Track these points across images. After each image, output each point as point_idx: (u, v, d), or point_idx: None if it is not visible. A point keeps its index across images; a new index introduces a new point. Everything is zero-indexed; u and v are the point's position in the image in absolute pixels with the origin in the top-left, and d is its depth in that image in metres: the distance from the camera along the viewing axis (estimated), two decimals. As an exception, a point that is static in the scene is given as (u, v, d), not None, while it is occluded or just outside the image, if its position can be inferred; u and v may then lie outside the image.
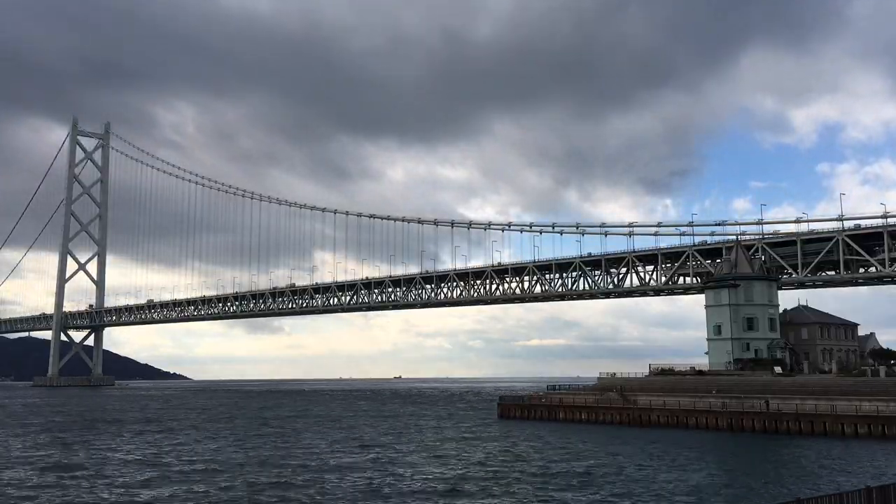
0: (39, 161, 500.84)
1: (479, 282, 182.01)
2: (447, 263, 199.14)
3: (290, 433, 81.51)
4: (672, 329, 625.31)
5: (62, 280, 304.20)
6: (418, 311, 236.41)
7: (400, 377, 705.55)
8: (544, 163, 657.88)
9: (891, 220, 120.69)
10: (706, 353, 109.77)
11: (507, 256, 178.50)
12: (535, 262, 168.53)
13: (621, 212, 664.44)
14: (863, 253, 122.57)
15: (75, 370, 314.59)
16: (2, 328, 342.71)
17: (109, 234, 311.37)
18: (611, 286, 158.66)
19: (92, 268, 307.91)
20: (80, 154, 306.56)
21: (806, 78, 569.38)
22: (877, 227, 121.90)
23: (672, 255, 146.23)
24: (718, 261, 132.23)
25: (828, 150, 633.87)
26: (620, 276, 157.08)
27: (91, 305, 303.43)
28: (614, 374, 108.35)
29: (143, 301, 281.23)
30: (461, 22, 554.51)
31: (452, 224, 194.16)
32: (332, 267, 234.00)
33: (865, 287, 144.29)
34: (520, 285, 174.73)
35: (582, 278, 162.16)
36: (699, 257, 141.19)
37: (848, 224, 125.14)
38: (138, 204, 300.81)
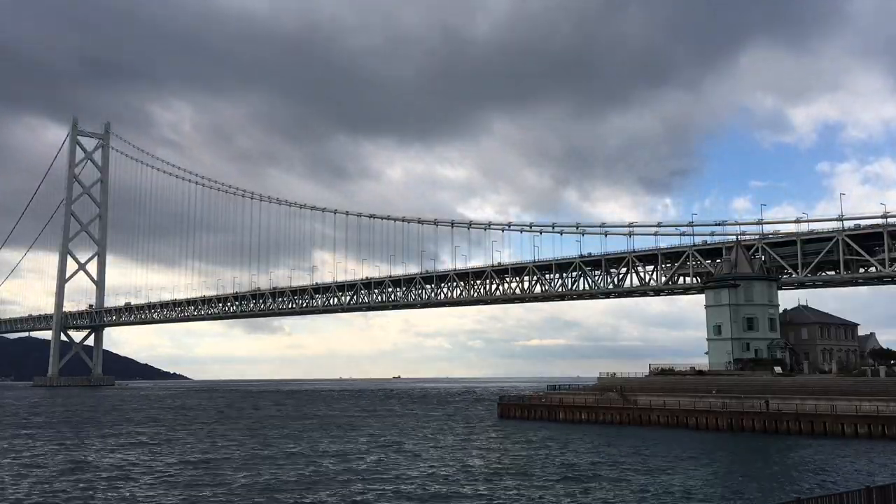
0: (36, 160, 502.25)
1: (479, 282, 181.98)
2: (447, 263, 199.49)
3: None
4: (672, 329, 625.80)
5: (62, 280, 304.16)
6: (418, 311, 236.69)
7: (399, 377, 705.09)
8: (544, 162, 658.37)
9: (891, 220, 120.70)
10: (706, 353, 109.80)
11: (507, 256, 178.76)
12: (535, 262, 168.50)
13: (621, 211, 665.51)
14: (863, 253, 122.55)
15: (75, 370, 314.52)
16: (2, 328, 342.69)
17: (109, 234, 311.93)
18: (611, 286, 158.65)
19: (92, 268, 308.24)
20: (79, 154, 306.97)
21: (806, 77, 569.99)
22: (877, 227, 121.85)
23: (672, 255, 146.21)
24: (718, 261, 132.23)
25: (828, 149, 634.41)
26: (620, 276, 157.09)
27: (91, 305, 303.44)
28: (614, 374, 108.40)
29: (143, 301, 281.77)
30: (460, 21, 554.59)
31: (452, 224, 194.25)
32: (332, 267, 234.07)
33: (865, 287, 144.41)
34: (520, 285, 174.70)
35: (582, 278, 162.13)
36: (699, 257, 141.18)
37: (848, 224, 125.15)
38: (138, 204, 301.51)
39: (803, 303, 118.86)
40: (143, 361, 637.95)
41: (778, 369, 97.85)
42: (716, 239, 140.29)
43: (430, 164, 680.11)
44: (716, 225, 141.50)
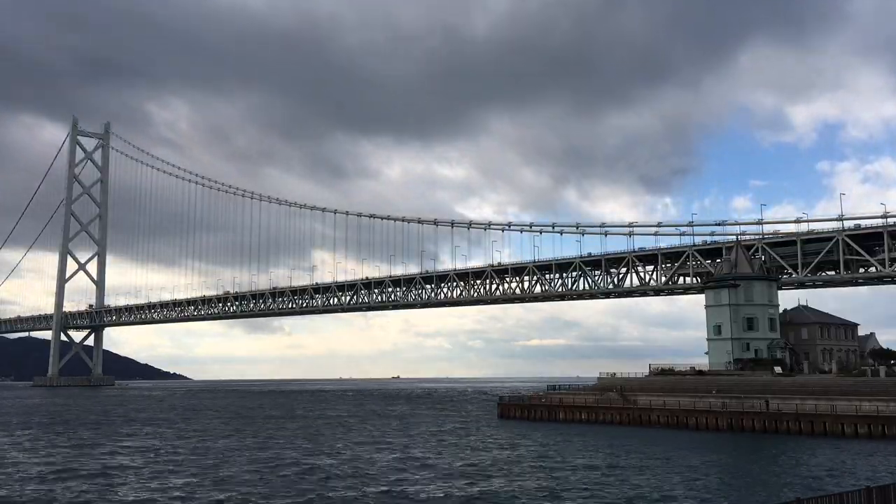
0: (34, 159, 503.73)
1: (479, 282, 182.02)
2: (447, 263, 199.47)
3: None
4: (672, 329, 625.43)
5: (62, 280, 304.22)
6: (418, 311, 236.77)
7: (398, 377, 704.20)
8: (542, 161, 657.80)
9: (891, 220, 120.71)
10: (706, 353, 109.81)
11: (506, 256, 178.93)
12: (535, 262, 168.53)
13: (620, 210, 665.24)
14: (863, 253, 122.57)
15: (75, 370, 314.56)
16: (2, 328, 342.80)
17: (109, 234, 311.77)
18: (611, 286, 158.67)
19: (92, 268, 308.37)
20: (79, 154, 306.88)
21: (806, 75, 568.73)
22: (877, 227, 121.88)
23: (672, 255, 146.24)
24: (718, 261, 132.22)
25: (828, 148, 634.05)
26: (620, 276, 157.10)
27: (91, 305, 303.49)
28: (614, 374, 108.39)
29: (143, 301, 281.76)
30: (458, 18, 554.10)
31: (452, 224, 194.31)
32: (332, 267, 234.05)
33: (865, 287, 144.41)
34: (520, 285, 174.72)
35: (582, 278, 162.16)
36: (699, 257, 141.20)
37: (848, 224, 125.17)
38: (137, 203, 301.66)
39: (803, 303, 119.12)
40: (143, 361, 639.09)
41: (778, 369, 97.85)
42: (716, 239, 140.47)
43: (429, 163, 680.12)
44: (716, 225, 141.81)
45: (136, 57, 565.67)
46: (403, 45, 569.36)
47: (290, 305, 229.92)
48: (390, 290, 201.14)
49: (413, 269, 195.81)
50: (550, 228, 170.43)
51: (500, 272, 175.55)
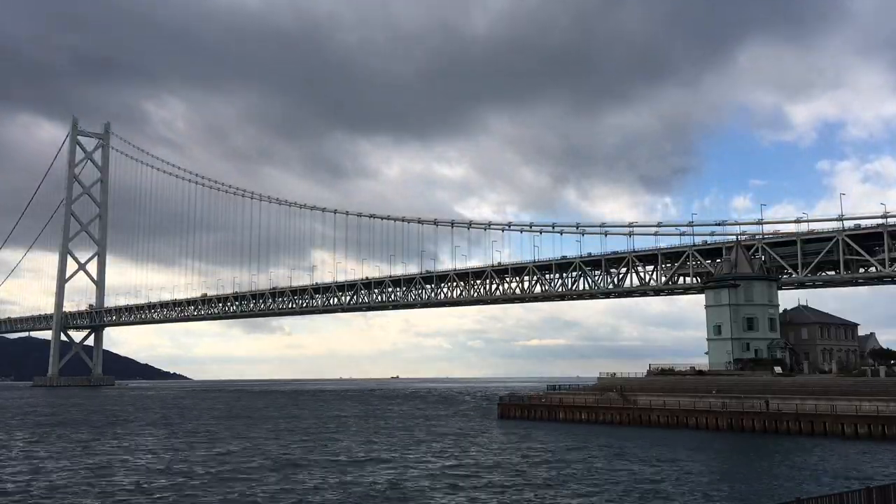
0: (31, 158, 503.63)
1: (479, 282, 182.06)
2: (446, 263, 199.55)
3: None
4: (672, 329, 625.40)
5: (62, 280, 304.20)
6: (418, 311, 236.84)
7: (397, 377, 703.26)
8: (542, 160, 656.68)
9: (891, 220, 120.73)
10: (706, 353, 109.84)
11: (506, 256, 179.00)
12: (535, 262, 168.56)
13: (620, 210, 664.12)
14: (863, 253, 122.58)
15: (75, 370, 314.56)
16: (2, 328, 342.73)
17: (109, 234, 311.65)
18: (611, 286, 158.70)
19: (92, 268, 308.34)
20: (79, 154, 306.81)
21: (806, 73, 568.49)
22: (877, 227, 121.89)
23: (672, 255, 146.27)
24: (718, 261, 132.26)
25: (828, 147, 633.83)
26: (620, 276, 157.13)
27: (91, 305, 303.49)
28: (614, 374, 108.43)
29: (143, 301, 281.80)
30: (457, 16, 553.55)
31: (452, 224, 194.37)
32: (332, 267, 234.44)
33: (865, 287, 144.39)
34: (520, 285, 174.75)
35: (582, 278, 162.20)
36: (699, 257, 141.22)
37: (848, 224, 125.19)
38: (136, 203, 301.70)
39: (803, 303, 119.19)
40: (142, 361, 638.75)
41: (778, 369, 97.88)
42: (716, 239, 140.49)
43: (428, 162, 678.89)
44: (716, 225, 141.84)
45: (134, 56, 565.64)
46: (402, 44, 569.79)
47: (290, 305, 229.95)
48: (390, 290, 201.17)
49: (413, 269, 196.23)
50: (550, 228, 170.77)
51: (500, 272, 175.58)
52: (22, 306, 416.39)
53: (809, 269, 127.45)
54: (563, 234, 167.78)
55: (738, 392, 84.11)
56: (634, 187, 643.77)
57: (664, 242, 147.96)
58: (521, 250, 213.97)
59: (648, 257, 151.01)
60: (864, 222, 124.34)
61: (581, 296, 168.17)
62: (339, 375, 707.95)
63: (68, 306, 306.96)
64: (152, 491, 43.21)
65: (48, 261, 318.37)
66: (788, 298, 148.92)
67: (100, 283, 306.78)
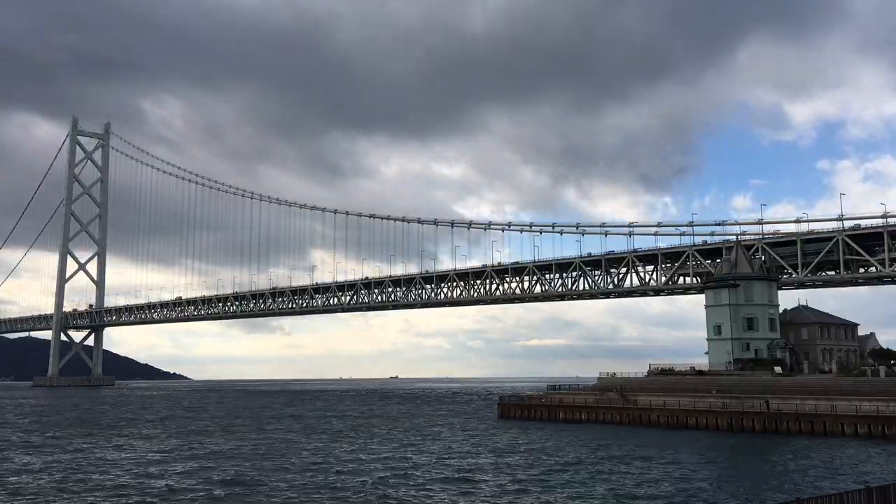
0: (28, 157, 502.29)
1: (478, 282, 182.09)
2: (446, 263, 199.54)
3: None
4: (672, 329, 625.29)
5: (62, 280, 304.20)
6: (418, 311, 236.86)
7: (396, 377, 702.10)
8: (541, 160, 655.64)
9: (891, 220, 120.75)
10: (706, 353, 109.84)
11: (506, 256, 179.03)
12: (535, 262, 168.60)
13: (620, 210, 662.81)
14: (863, 253, 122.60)
15: (75, 370, 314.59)
16: (2, 328, 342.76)
17: (109, 234, 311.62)
18: (611, 286, 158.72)
19: (92, 268, 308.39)
20: (79, 154, 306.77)
21: (806, 72, 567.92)
22: (877, 227, 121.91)
23: (672, 255, 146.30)
24: (718, 261, 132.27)
25: (828, 146, 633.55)
26: (620, 276, 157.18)
27: (91, 305, 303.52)
28: (614, 374, 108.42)
29: (143, 301, 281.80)
30: (455, 14, 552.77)
31: (452, 224, 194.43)
32: (332, 267, 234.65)
33: (865, 287, 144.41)
34: (520, 285, 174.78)
35: (582, 278, 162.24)
36: (699, 257, 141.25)
37: (848, 224, 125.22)
38: (136, 203, 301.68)
39: (803, 303, 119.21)
40: (142, 361, 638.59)
41: (778, 369, 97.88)
42: (716, 239, 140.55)
43: (426, 161, 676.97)
44: (716, 225, 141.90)
45: (131, 54, 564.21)
46: (400, 43, 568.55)
47: (290, 305, 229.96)
48: (390, 290, 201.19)
49: (413, 269, 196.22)
50: (550, 228, 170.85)
51: (500, 272, 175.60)
52: (22, 306, 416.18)
53: (809, 269, 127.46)
54: (563, 234, 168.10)
55: (738, 392, 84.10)
56: (634, 187, 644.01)
57: (664, 242, 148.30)
58: (521, 250, 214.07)
59: (648, 257, 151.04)
60: (864, 222, 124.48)
61: (581, 296, 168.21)
62: (339, 375, 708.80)
63: (68, 306, 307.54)
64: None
65: (48, 261, 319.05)
66: (788, 298, 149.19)
67: (100, 283, 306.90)
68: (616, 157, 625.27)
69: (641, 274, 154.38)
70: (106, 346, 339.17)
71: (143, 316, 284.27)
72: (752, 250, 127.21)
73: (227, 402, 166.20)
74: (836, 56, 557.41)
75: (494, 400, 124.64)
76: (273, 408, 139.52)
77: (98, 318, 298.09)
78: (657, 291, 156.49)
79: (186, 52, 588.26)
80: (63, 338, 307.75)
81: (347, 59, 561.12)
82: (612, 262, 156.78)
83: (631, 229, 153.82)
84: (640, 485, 43.88)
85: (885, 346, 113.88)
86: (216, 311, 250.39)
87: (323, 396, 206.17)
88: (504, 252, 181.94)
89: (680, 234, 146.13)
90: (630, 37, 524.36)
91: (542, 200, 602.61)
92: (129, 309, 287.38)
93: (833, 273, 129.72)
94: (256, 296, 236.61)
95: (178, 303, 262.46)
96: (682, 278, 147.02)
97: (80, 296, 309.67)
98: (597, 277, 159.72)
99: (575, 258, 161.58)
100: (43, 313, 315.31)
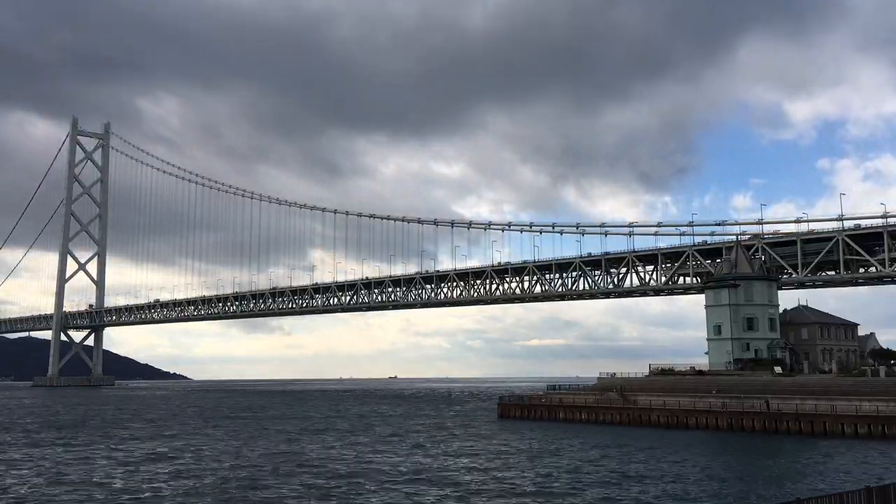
0: (24, 156, 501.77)
1: (479, 282, 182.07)
2: (446, 263, 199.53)
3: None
4: (672, 329, 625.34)
5: (62, 280, 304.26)
6: (417, 311, 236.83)
7: (395, 377, 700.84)
8: (540, 159, 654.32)
9: (891, 220, 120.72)
10: (706, 353, 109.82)
11: (506, 256, 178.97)
12: (535, 262, 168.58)
13: (620, 209, 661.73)
14: (863, 253, 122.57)
15: (75, 370, 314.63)
16: (2, 328, 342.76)
17: (109, 234, 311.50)
18: (611, 286, 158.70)
19: (92, 268, 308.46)
20: (79, 154, 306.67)
21: (806, 70, 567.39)
22: (877, 227, 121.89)
23: (672, 255, 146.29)
24: (718, 261, 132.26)
25: (828, 145, 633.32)
26: (620, 276, 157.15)
27: (91, 305, 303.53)
28: (614, 374, 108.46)
29: (143, 301, 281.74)
30: (453, 11, 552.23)
31: (452, 224, 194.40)
32: (332, 267, 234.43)
33: (865, 287, 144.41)
34: (520, 285, 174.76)
35: (582, 278, 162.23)
36: (699, 257, 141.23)
37: (848, 224, 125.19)
38: (135, 203, 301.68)
39: (803, 303, 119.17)
40: (142, 361, 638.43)
41: (778, 369, 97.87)
42: (716, 239, 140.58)
43: (425, 160, 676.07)
44: (716, 225, 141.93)
45: (128, 53, 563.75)
46: (399, 41, 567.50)
47: (289, 305, 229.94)
48: (390, 290, 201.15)
49: (413, 269, 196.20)
50: (550, 228, 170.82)
51: (500, 272, 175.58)
52: (22, 306, 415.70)
53: (809, 269, 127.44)
54: (563, 234, 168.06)
55: (738, 392, 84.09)
56: (634, 186, 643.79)
57: (664, 242, 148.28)
58: (520, 250, 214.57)
59: (648, 257, 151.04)
60: (864, 222, 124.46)
61: (581, 296, 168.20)
62: (339, 376, 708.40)
63: (68, 306, 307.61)
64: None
65: (48, 261, 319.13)
66: (788, 298, 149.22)
67: (100, 283, 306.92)
68: (616, 157, 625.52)
69: (641, 274, 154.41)
70: (106, 346, 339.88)
71: (142, 316, 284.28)
72: (752, 250, 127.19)
73: (228, 402, 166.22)
74: (836, 54, 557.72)
75: (494, 400, 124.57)
76: (276, 408, 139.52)
77: (98, 318, 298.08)
78: (657, 291, 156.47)
79: (184, 51, 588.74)
80: (63, 338, 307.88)
81: (346, 58, 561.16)
82: (612, 262, 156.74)
83: (631, 229, 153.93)
84: (639, 485, 43.86)
85: (885, 346, 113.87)
86: (216, 311, 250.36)
87: (323, 396, 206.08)
88: (504, 252, 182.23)
89: (680, 234, 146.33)
90: (630, 35, 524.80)
91: (542, 200, 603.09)
92: (128, 309, 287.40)
93: (833, 273, 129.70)
94: (256, 296, 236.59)
95: (178, 303, 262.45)
96: (682, 278, 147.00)
97: (80, 296, 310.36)
98: (597, 277, 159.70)
99: (575, 258, 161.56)
100: (43, 313, 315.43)
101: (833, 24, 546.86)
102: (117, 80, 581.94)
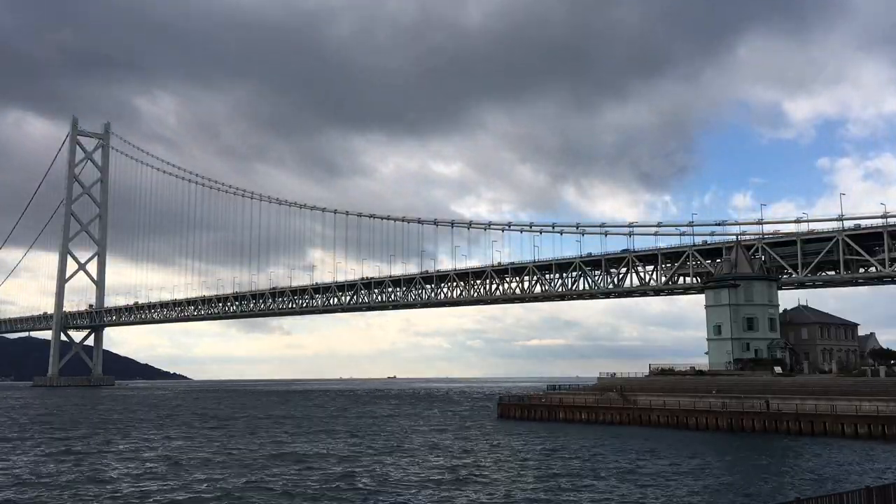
0: (23, 156, 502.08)
1: (478, 282, 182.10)
2: (446, 263, 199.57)
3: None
4: (672, 329, 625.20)
5: (62, 280, 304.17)
6: (417, 311, 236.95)
7: (394, 377, 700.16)
8: (539, 158, 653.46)
9: (891, 220, 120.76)
10: (706, 353, 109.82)
11: (506, 256, 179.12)
12: (535, 262, 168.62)
13: (620, 209, 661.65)
14: (863, 253, 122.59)
15: (75, 370, 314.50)
16: (2, 328, 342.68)
17: (109, 234, 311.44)
18: (611, 286, 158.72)
19: (92, 268, 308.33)
20: (79, 153, 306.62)
21: (806, 69, 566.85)
22: (877, 227, 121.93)
23: (672, 255, 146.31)
24: (718, 261, 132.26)
25: (828, 144, 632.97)
26: (620, 276, 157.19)
27: (91, 305, 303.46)
28: (614, 374, 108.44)
29: (143, 301, 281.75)
30: (452, 10, 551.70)
31: (452, 224, 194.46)
32: (332, 267, 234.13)
33: (865, 287, 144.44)
34: (520, 285, 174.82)
35: (582, 278, 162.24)
36: (699, 257, 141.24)
37: (848, 224, 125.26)
38: (135, 203, 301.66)
39: (803, 303, 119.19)
40: (142, 361, 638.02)
41: (778, 369, 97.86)
42: (716, 239, 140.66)
43: (423, 160, 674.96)
44: (716, 225, 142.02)
45: (127, 52, 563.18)
46: (397, 39, 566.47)
47: (289, 305, 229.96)
48: (390, 290, 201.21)
49: (413, 269, 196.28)
50: (550, 228, 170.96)
51: (500, 272, 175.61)
52: (21, 306, 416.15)
53: (809, 269, 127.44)
54: (563, 234, 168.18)
55: (738, 392, 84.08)
56: (634, 186, 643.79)
57: (664, 242, 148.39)
58: (520, 250, 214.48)
59: (648, 257, 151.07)
60: (864, 222, 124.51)
61: (581, 296, 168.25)
62: (339, 375, 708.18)
63: (68, 306, 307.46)
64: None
65: (48, 261, 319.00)
66: (788, 298, 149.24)
67: (100, 283, 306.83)
68: (615, 156, 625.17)
69: (641, 274, 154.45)
70: (106, 346, 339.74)
71: (142, 316, 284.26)
72: (752, 250, 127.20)
73: (227, 403, 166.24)
74: (836, 53, 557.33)
75: (494, 400, 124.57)
76: (279, 408, 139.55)
77: (98, 318, 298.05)
78: (657, 291, 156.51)
79: (182, 50, 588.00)
80: (63, 338, 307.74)
81: (344, 57, 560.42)
82: (612, 262, 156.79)
83: (631, 229, 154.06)
84: (639, 484, 43.84)
85: (885, 346, 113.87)
86: (216, 311, 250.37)
87: (324, 397, 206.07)
88: (504, 252, 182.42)
89: (680, 234, 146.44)
90: (629, 33, 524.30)
91: (541, 199, 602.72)
92: (128, 309, 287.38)
93: (833, 273, 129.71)
94: (256, 296, 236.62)
95: (178, 303, 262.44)
96: (682, 278, 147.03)
97: (79, 296, 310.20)
98: (597, 277, 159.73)
99: (575, 258, 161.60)
100: (43, 313, 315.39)
101: (833, 23, 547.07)
102: (116, 80, 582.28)
